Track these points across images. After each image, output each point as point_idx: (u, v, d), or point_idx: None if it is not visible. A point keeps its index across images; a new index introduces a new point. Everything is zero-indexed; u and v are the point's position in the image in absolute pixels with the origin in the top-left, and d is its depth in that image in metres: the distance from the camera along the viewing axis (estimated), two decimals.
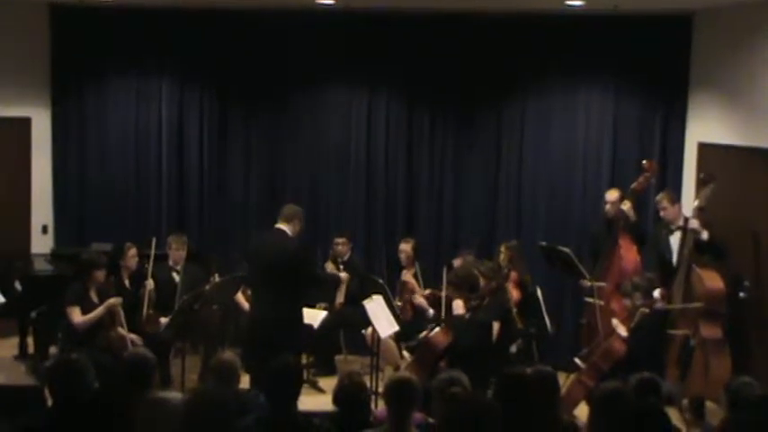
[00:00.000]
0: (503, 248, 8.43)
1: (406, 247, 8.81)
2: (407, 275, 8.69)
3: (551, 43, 9.20)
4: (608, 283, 8.19)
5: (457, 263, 8.23)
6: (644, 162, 8.30)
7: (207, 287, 7.96)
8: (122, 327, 7.73)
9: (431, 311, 8.20)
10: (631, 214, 8.18)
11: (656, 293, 7.25)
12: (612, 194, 8.42)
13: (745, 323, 7.83)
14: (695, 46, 8.90)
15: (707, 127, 8.70)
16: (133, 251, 8.26)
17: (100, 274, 7.74)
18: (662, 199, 8.02)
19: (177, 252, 8.48)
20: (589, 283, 8.18)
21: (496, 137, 9.55)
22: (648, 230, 8.53)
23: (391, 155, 9.68)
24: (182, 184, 9.74)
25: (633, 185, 8.23)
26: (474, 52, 9.33)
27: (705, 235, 7.59)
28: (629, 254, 8.16)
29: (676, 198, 8.16)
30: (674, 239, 7.94)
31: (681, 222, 7.90)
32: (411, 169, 9.69)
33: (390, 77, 9.63)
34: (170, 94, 9.64)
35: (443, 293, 7.85)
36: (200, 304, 7.77)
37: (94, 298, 7.71)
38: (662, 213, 8.02)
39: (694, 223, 7.61)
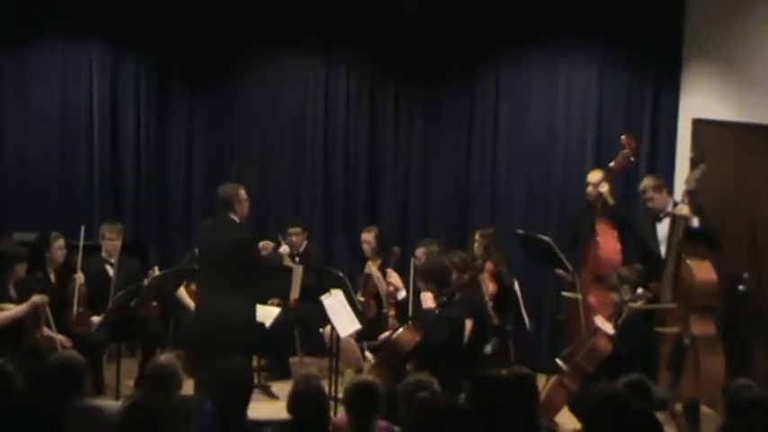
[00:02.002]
0: (477, 236, 8.46)
1: (368, 237, 8.83)
2: (372, 268, 8.69)
3: (529, 10, 9.18)
4: (585, 273, 8.22)
5: (419, 253, 8.24)
6: (622, 137, 8.28)
7: (145, 282, 7.88)
8: (49, 327, 7.65)
9: (403, 293, 8.20)
10: (609, 197, 8.21)
11: (638, 290, 7.27)
12: (595, 175, 8.43)
13: (743, 319, 7.89)
14: (689, 12, 8.90)
15: (702, 101, 8.73)
16: (60, 242, 8.18)
17: (20, 268, 7.65)
18: (646, 188, 8.02)
19: (111, 242, 8.41)
20: (569, 276, 8.23)
21: (469, 113, 9.55)
22: (632, 215, 8.55)
23: (352, 133, 9.66)
24: (116, 167, 9.63)
25: (611, 164, 8.24)
26: (444, 19, 9.30)
27: (695, 222, 7.60)
28: (608, 241, 8.19)
29: (662, 183, 8.13)
30: (662, 228, 7.97)
31: (670, 208, 7.92)
32: (374, 149, 9.70)
33: (350, 46, 9.59)
34: (101, 65, 9.50)
35: (411, 285, 7.85)
36: (137, 301, 7.72)
37: (14, 295, 7.60)
38: (649, 204, 8.04)
39: (684, 209, 7.61)
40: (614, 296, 7.39)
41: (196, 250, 7.90)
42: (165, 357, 5.37)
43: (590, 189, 8.44)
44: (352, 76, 9.64)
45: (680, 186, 8.33)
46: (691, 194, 7.64)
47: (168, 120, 9.71)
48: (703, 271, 7.51)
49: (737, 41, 8.16)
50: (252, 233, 7.88)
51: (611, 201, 8.23)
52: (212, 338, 7.05)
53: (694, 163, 7.73)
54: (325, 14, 9.45)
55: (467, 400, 4.82)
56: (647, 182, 8.09)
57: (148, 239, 9.48)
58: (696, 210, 7.63)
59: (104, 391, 7.88)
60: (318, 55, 9.62)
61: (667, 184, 8.34)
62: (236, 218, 7.30)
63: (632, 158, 8.30)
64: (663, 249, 7.91)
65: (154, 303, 8.26)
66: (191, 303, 8.31)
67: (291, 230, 9.01)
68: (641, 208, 8.54)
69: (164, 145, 9.73)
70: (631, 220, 8.48)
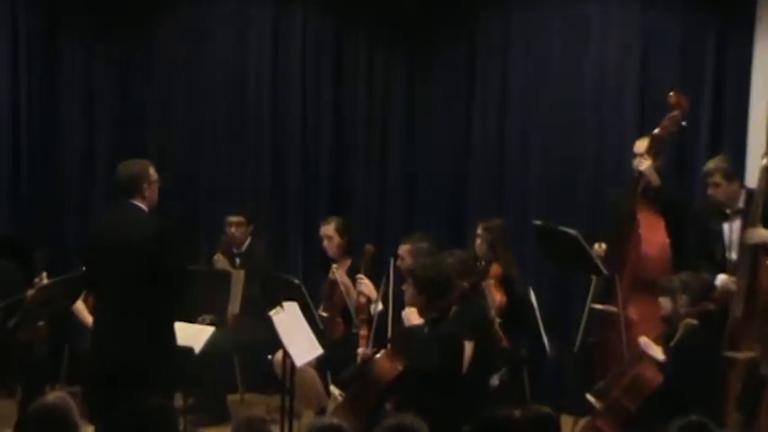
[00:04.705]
0: (480, 230, 8.53)
1: (327, 231, 8.90)
2: (338, 272, 8.72)
3: None
4: (622, 278, 8.24)
5: (404, 251, 8.30)
6: (670, 95, 8.30)
7: (28, 294, 7.90)
8: None
9: (380, 306, 8.28)
10: (653, 177, 8.23)
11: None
12: (643, 145, 8.41)
13: None
14: None
15: None
16: None
17: None
18: (714, 171, 7.99)
19: None
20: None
21: (467, 67, 9.63)
22: (687, 200, 8.61)
23: (310, 94, 9.74)
24: None
25: (655, 131, 8.28)
26: None
27: None
28: (653, 235, 8.23)
29: (735, 172, 8.11)
30: (727, 228, 7.95)
31: (741, 205, 7.92)
32: (340, 116, 9.78)
33: None
34: None
35: (390, 295, 7.97)
36: (16, 320, 7.76)
37: None
38: (711, 191, 8.05)
39: (759, 234, 7.53)
40: (665, 307, 7.38)
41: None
42: (54, 396, 5.34)
43: (636, 162, 8.42)
44: (310, 20, 9.71)
45: (753, 163, 8.40)
46: None
47: (58, 76, 9.80)
48: None
49: None
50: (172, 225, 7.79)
51: (655, 181, 8.23)
52: (118, 369, 6.94)
53: None
54: None
55: None
56: (717, 163, 8.07)
57: (32, 238, 9.48)
58: None
59: None
60: None
61: (737, 162, 8.35)
62: (143, 206, 7.16)
63: (684, 123, 8.33)
64: (730, 255, 7.92)
65: (40, 323, 8.30)
66: (92, 322, 8.20)
67: (232, 219, 9.10)
68: (699, 193, 8.58)
69: (53, 111, 9.82)
70: (685, 207, 8.50)
